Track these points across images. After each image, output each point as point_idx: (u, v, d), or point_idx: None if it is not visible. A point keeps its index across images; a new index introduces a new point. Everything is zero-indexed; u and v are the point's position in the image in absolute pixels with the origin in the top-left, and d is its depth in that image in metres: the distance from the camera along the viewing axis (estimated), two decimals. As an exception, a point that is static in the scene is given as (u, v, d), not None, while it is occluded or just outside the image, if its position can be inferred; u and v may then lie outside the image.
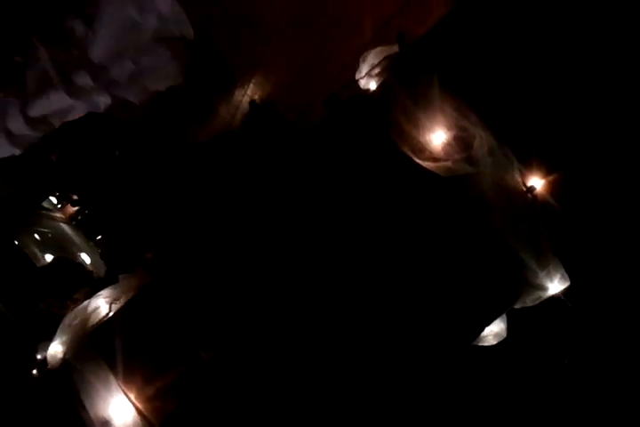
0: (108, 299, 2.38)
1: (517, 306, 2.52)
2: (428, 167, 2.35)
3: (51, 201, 6.99)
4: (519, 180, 2.50)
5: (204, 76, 4.26)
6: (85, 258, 6.75)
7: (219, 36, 3.97)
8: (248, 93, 3.74)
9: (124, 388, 2.13)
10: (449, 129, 2.35)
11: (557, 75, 2.45)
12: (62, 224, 7.37)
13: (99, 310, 2.36)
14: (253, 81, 3.79)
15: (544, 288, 2.54)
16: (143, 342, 2.30)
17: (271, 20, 3.74)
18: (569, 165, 2.51)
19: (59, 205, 7.17)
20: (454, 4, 2.67)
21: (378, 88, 2.44)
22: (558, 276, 2.57)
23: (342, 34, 3.33)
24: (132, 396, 2.13)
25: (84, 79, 3.77)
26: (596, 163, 2.49)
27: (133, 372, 2.21)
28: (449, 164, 2.35)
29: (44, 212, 6.95)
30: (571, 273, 2.56)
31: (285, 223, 2.54)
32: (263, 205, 2.57)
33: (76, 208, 5.72)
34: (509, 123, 2.46)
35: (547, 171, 2.54)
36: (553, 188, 2.54)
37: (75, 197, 5.07)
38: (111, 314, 2.35)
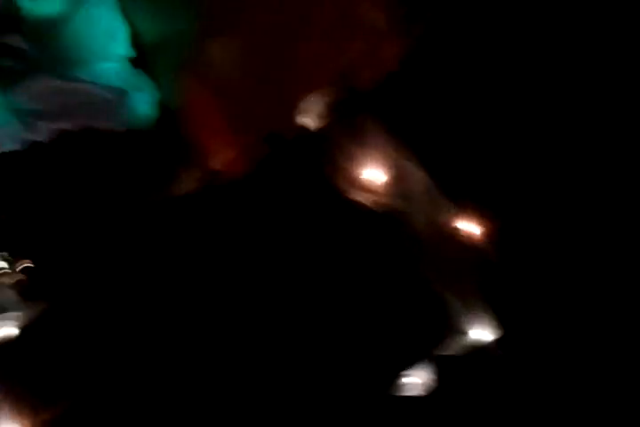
0: (11, 321, 2.27)
1: (445, 353, 2.42)
2: (364, 202, 2.35)
3: (-1, 263, 6.69)
4: (452, 222, 2.50)
5: (164, 152, 4.26)
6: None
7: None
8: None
9: (12, 416, 1.97)
10: (387, 166, 2.39)
11: (492, 125, 2.54)
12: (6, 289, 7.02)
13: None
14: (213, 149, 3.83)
15: (469, 333, 2.46)
16: (39, 372, 2.17)
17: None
18: (503, 211, 2.52)
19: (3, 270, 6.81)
20: (404, 62, 2.82)
21: (317, 125, 2.49)
22: (486, 323, 2.50)
23: (296, 95, 3.44)
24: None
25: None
26: (530, 210, 2.51)
27: (24, 400, 2.05)
28: (385, 199, 2.35)
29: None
30: (502, 322, 2.48)
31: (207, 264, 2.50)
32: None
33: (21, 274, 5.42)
34: (446, 168, 2.51)
35: (481, 216, 2.54)
36: (486, 233, 2.54)
37: (23, 263, 4.84)
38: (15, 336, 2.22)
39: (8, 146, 3.75)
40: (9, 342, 2.21)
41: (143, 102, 3.90)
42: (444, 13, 2.90)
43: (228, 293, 2.49)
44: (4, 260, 5.62)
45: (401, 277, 2.43)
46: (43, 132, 3.75)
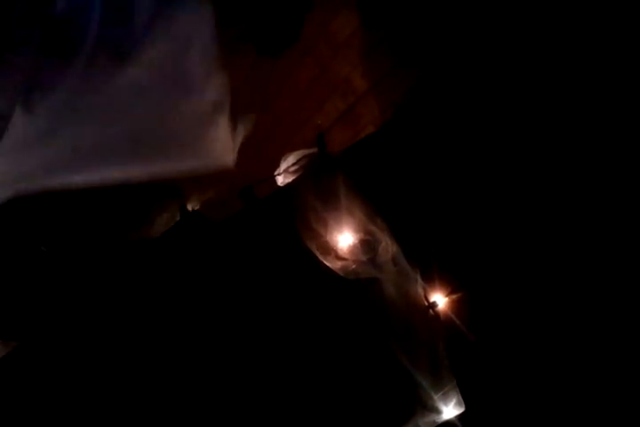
0: None
1: (410, 429, 2.37)
2: (332, 267, 2.33)
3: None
4: (422, 294, 2.47)
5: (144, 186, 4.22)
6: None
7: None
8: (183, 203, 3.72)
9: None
10: (356, 231, 2.38)
11: (467, 196, 2.55)
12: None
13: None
14: (188, 192, 3.80)
15: (438, 411, 2.42)
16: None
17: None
18: (474, 285, 2.51)
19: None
20: (382, 125, 2.85)
21: (290, 185, 2.48)
22: (454, 400, 2.46)
23: (275, 150, 3.44)
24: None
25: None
26: (501, 284, 2.50)
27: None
28: (353, 265, 2.33)
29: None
30: (467, 398, 2.44)
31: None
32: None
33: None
34: (416, 239, 2.50)
35: (451, 289, 2.53)
36: (456, 307, 2.52)
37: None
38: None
39: None
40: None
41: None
42: (426, 76, 2.92)
43: (189, 351, 2.43)
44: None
45: (368, 350, 2.40)
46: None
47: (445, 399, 2.47)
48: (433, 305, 2.52)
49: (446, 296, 2.55)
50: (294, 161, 2.64)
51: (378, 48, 2.95)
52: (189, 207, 3.78)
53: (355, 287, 2.42)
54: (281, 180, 2.68)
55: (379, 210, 2.46)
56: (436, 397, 2.45)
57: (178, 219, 3.75)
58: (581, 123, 2.46)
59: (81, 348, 2.49)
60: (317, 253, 2.41)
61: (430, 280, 2.52)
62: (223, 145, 3.28)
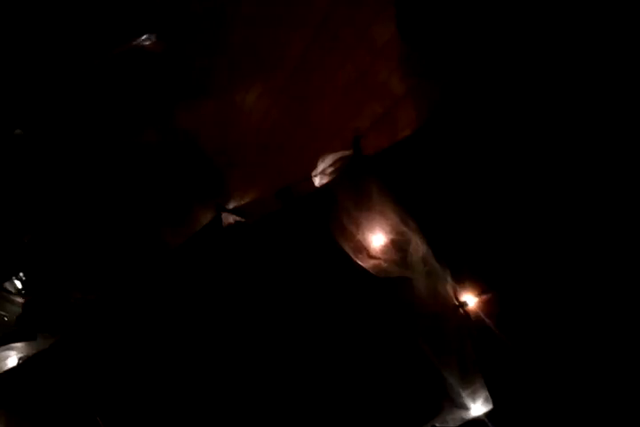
0: (17, 352, 2.36)
1: (438, 424, 2.44)
2: (364, 266, 2.43)
3: (14, 284, 6.85)
4: (452, 294, 2.54)
5: (191, 184, 4.35)
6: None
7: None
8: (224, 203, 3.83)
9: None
10: (388, 232, 2.47)
11: (498, 198, 2.61)
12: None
13: (6, 361, 2.32)
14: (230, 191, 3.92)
15: (466, 408, 2.49)
16: (41, 399, 2.25)
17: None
18: (504, 285, 2.57)
19: (23, 291, 6.96)
20: (418, 128, 2.93)
21: (324, 186, 2.59)
22: (482, 397, 2.52)
23: (314, 151, 3.54)
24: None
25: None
26: (532, 285, 2.55)
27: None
28: (384, 264, 2.43)
29: (5, 294, 6.79)
30: (495, 396, 2.50)
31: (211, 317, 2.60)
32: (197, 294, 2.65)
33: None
34: (448, 240, 2.57)
35: (482, 289, 2.59)
36: (486, 307, 2.58)
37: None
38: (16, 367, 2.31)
39: None
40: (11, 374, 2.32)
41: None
42: (461, 79, 2.99)
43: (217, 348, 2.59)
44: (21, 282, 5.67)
45: (397, 347, 2.49)
46: None
47: (473, 396, 2.53)
48: (463, 305, 2.59)
49: (477, 296, 2.61)
50: (331, 162, 2.75)
51: (415, 53, 3.03)
52: (230, 206, 3.91)
53: (385, 286, 2.51)
54: (318, 180, 2.79)
55: (411, 211, 2.54)
56: (464, 394, 2.51)
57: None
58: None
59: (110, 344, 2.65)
60: (350, 252, 2.51)
61: (461, 280, 2.59)
62: None
